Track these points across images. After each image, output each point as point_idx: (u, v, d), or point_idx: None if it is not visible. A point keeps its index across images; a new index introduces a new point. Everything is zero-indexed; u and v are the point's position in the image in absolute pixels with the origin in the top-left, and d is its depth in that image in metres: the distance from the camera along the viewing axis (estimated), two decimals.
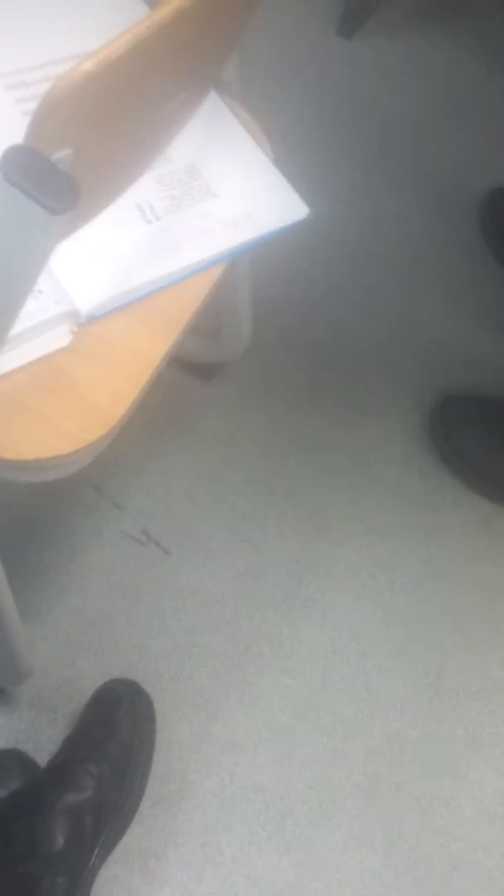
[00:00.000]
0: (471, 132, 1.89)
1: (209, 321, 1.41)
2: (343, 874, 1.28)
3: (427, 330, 1.68)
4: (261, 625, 1.40)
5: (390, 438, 1.57)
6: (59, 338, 0.92)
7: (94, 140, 0.65)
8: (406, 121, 1.89)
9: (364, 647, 1.42)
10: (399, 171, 1.83)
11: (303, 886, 1.26)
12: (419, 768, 1.36)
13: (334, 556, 1.47)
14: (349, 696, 1.38)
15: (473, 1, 2.04)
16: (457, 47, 1.99)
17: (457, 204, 1.81)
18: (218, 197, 1.01)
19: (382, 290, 1.70)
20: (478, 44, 2.00)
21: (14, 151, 0.60)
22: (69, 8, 1.04)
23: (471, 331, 1.69)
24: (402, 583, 1.47)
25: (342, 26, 1.95)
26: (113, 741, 1.22)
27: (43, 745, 1.27)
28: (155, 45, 0.62)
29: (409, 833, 1.32)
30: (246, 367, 1.55)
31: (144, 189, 0.98)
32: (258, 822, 1.29)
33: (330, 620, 1.43)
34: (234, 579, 1.42)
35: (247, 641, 1.39)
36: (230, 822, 1.28)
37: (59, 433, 0.90)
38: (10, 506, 1.39)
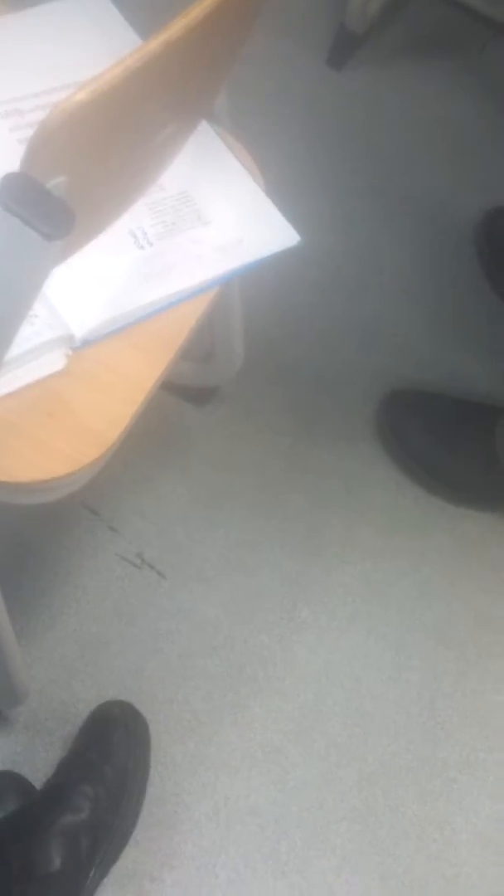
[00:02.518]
0: (459, 161, 1.92)
1: (202, 346, 1.43)
2: None
3: (418, 356, 1.70)
4: (255, 648, 1.41)
5: (383, 463, 1.58)
6: (54, 362, 0.94)
7: (88, 168, 0.67)
8: (396, 150, 1.91)
9: (358, 671, 1.42)
10: (389, 199, 1.85)
11: None
12: (413, 793, 1.36)
13: (328, 580, 1.48)
14: (343, 719, 1.39)
15: (461, 35, 2.07)
16: (445, 78, 2.02)
17: (449, 230, 1.83)
18: (210, 223, 1.02)
19: (375, 317, 1.72)
20: (465, 75, 2.02)
21: (10, 179, 0.62)
22: (62, 38, 1.06)
23: (467, 359, 1.70)
24: (396, 607, 1.48)
25: (332, 57, 1.97)
26: (108, 763, 1.23)
27: (39, 767, 1.28)
28: (146, 75, 0.64)
29: (404, 857, 1.32)
30: (239, 392, 1.56)
31: (137, 215, 1.00)
32: (253, 844, 1.29)
33: (324, 644, 1.43)
34: (227, 602, 1.43)
35: (241, 664, 1.39)
36: (225, 844, 1.29)
37: (54, 456, 0.91)
38: (6, 528, 1.40)
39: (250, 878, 1.27)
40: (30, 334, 0.91)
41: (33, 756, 1.29)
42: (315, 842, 1.31)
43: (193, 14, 0.65)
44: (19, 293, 0.70)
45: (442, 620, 1.48)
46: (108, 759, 1.23)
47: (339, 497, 1.55)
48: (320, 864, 1.30)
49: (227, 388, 1.56)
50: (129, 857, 1.24)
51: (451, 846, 1.33)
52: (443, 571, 1.52)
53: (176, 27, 0.64)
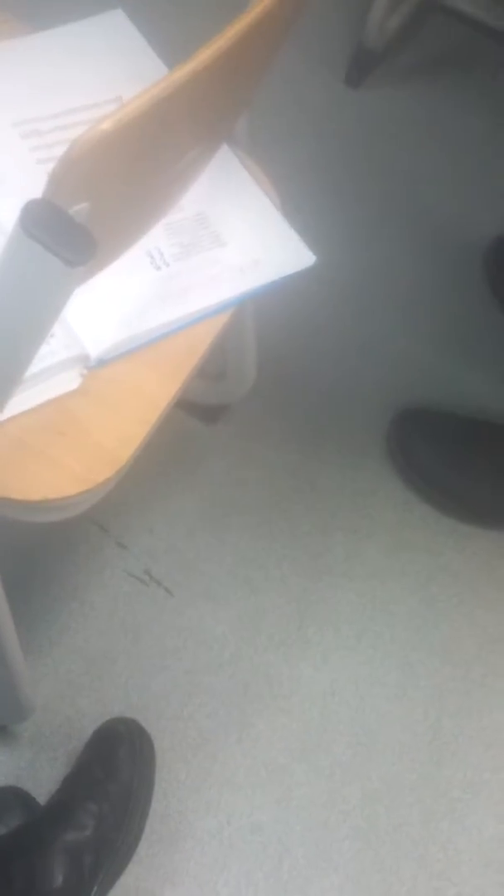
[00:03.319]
0: (475, 181, 1.92)
1: (214, 364, 1.43)
2: None
3: (428, 375, 1.70)
4: (260, 665, 1.41)
5: (392, 481, 1.59)
6: (69, 381, 0.94)
7: (110, 194, 0.67)
8: (412, 169, 1.92)
9: (363, 689, 1.42)
10: (403, 218, 1.85)
11: None
12: (417, 812, 1.36)
13: (335, 598, 1.48)
14: (348, 738, 1.39)
15: (477, 54, 2.07)
16: (461, 98, 2.02)
17: (461, 251, 1.83)
18: (226, 245, 1.03)
19: (387, 336, 1.72)
20: (481, 97, 2.03)
21: (33, 205, 0.62)
22: (82, 59, 1.06)
23: (477, 378, 1.70)
24: (402, 625, 1.48)
25: (349, 76, 1.97)
26: (113, 780, 1.23)
27: (43, 783, 1.28)
28: (172, 105, 0.64)
29: (407, 877, 1.32)
30: (249, 410, 1.57)
31: (154, 236, 1.00)
32: (255, 862, 1.29)
33: (329, 662, 1.43)
34: (234, 620, 1.43)
35: (246, 682, 1.39)
36: (228, 862, 1.28)
37: (67, 474, 0.91)
38: (15, 543, 1.40)
39: None
40: (45, 353, 0.91)
41: (38, 772, 1.29)
42: (318, 860, 1.31)
43: (221, 42, 0.65)
44: (40, 317, 0.70)
45: (448, 640, 1.48)
46: (113, 777, 1.23)
47: (347, 515, 1.55)
48: (323, 882, 1.29)
49: (238, 406, 1.56)
50: (132, 874, 1.24)
51: (453, 866, 1.33)
52: (450, 591, 1.52)
53: (203, 56, 0.64)
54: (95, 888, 1.18)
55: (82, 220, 0.65)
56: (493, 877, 1.34)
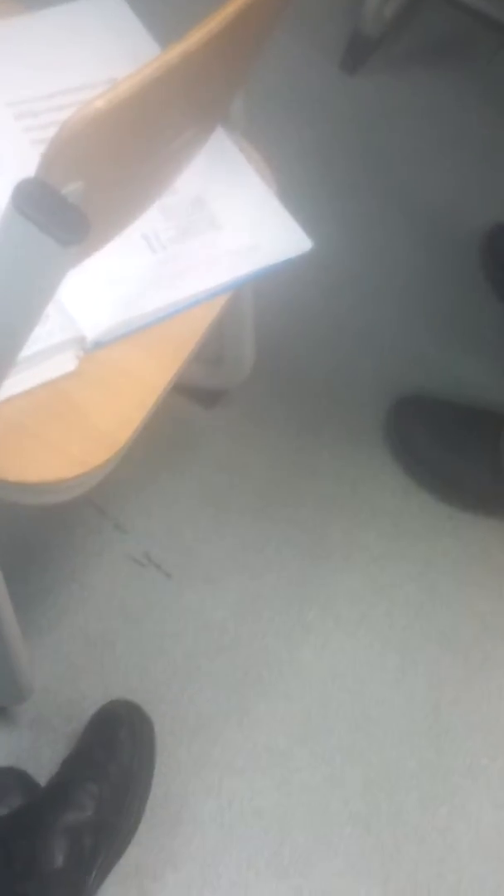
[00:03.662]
0: (471, 168, 1.92)
1: (212, 348, 1.43)
2: None
3: (427, 362, 1.70)
4: (260, 650, 1.41)
5: (391, 468, 1.59)
6: (65, 363, 0.94)
7: (103, 174, 0.67)
8: (408, 156, 1.91)
9: (363, 674, 1.43)
10: (399, 204, 1.85)
11: None
12: (417, 798, 1.36)
13: (334, 583, 1.48)
14: (348, 723, 1.39)
15: (473, 41, 2.06)
16: (457, 84, 2.02)
17: (458, 238, 1.82)
18: (223, 228, 1.03)
19: (384, 323, 1.72)
20: (478, 82, 2.02)
21: (26, 185, 0.62)
22: (77, 39, 1.06)
23: (475, 366, 1.70)
24: (402, 611, 1.48)
25: (346, 61, 1.96)
26: (113, 762, 1.23)
27: (43, 765, 1.28)
28: (165, 85, 0.64)
29: (407, 862, 1.32)
30: (248, 394, 1.57)
31: (151, 219, 1.00)
32: (256, 846, 1.30)
33: (329, 647, 1.43)
34: (234, 604, 1.44)
35: (246, 666, 1.40)
36: (228, 845, 1.29)
37: (64, 457, 0.91)
38: (13, 526, 1.40)
39: (253, 880, 1.27)
40: (41, 335, 0.91)
41: (38, 753, 1.29)
42: (318, 845, 1.31)
43: (213, 24, 0.65)
44: (33, 298, 0.70)
45: (447, 626, 1.48)
46: (113, 759, 1.23)
47: (346, 501, 1.55)
48: (323, 867, 1.30)
49: (236, 390, 1.56)
50: (132, 857, 1.25)
51: (453, 852, 1.34)
52: (449, 577, 1.52)
53: (196, 37, 0.64)
54: (95, 870, 1.18)
55: (75, 200, 0.65)
56: (493, 863, 1.34)
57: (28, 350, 0.89)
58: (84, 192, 0.65)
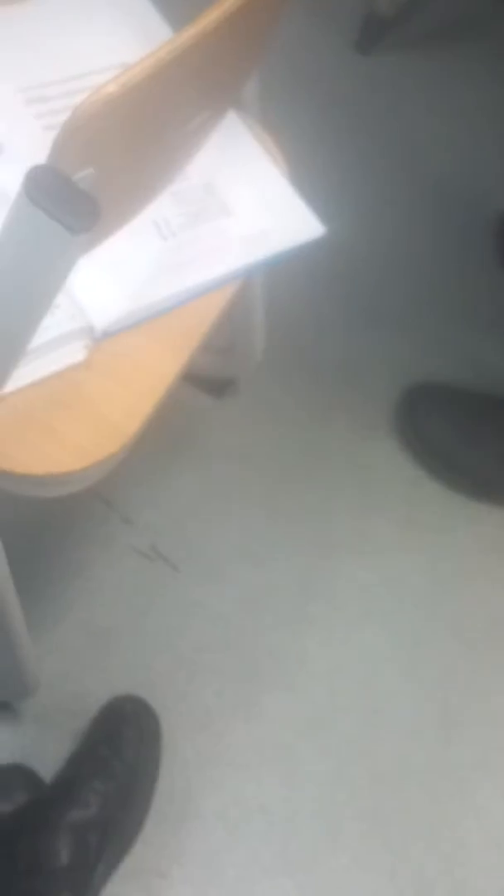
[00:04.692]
0: (487, 150, 1.90)
1: (221, 337, 1.41)
2: None
3: (439, 349, 1.68)
4: (267, 643, 1.40)
5: (401, 457, 1.57)
6: (74, 353, 0.92)
7: (115, 160, 0.65)
8: (423, 138, 1.89)
9: (370, 667, 1.41)
10: (414, 187, 1.83)
11: None
12: (425, 793, 1.35)
13: (342, 574, 1.47)
14: (355, 717, 1.38)
15: (489, 21, 2.05)
16: (473, 66, 2.00)
17: (473, 222, 1.81)
18: (234, 214, 1.01)
19: (395, 308, 1.70)
20: (494, 63, 2.00)
21: (37, 171, 0.60)
22: (88, 24, 1.04)
23: (489, 353, 1.69)
24: (410, 603, 1.47)
25: (360, 43, 1.95)
26: (118, 759, 1.22)
27: (48, 761, 1.27)
28: (177, 68, 0.62)
29: (414, 857, 1.31)
30: (256, 383, 1.55)
31: (161, 205, 0.98)
32: (262, 842, 1.28)
33: (336, 640, 1.42)
34: (240, 597, 1.42)
35: (252, 660, 1.38)
36: (234, 842, 1.28)
37: (72, 449, 0.90)
38: (20, 519, 1.38)
39: (259, 876, 1.26)
40: (50, 325, 0.90)
41: (43, 749, 1.28)
42: (325, 840, 1.30)
43: (225, 6, 0.64)
44: (44, 285, 0.69)
45: (457, 617, 1.47)
46: (119, 755, 1.22)
47: (354, 491, 1.53)
48: (329, 862, 1.29)
49: (245, 380, 1.55)
50: (138, 854, 1.24)
51: (461, 846, 1.32)
52: (458, 567, 1.50)
53: (209, 19, 0.63)
54: (101, 867, 1.17)
55: (86, 187, 0.63)
56: (501, 858, 1.33)
57: (37, 340, 0.87)
58: (95, 179, 0.63)
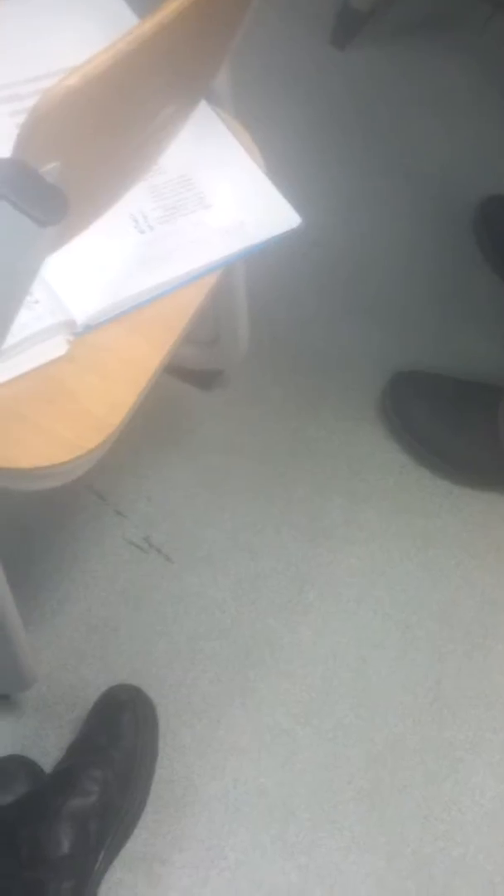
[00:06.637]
0: (463, 141, 1.91)
1: (207, 329, 1.43)
2: (346, 878, 1.29)
3: (421, 337, 1.69)
4: (262, 630, 1.41)
5: (388, 445, 1.58)
6: (56, 347, 0.94)
7: (81, 152, 0.66)
8: (399, 130, 1.90)
9: (364, 652, 1.43)
10: (392, 179, 1.84)
11: (306, 890, 1.27)
12: (420, 773, 1.36)
13: (334, 561, 1.48)
14: (350, 701, 1.39)
15: (463, 13, 2.05)
16: (448, 57, 2.01)
17: (452, 211, 1.82)
18: (211, 207, 1.02)
19: (378, 299, 1.71)
20: (468, 54, 2.01)
21: (2, 164, 0.61)
22: (62, 22, 1.05)
23: (470, 339, 1.70)
24: (402, 588, 1.48)
25: (335, 36, 1.95)
26: (117, 747, 1.23)
27: (48, 752, 1.28)
28: (139, 58, 0.63)
29: (412, 838, 1.32)
30: (244, 375, 1.56)
31: (138, 199, 0.99)
32: (262, 826, 1.30)
33: (330, 626, 1.43)
34: (234, 586, 1.43)
35: (248, 647, 1.40)
36: (234, 826, 1.29)
37: (56, 442, 0.91)
38: (13, 513, 1.40)
39: (259, 859, 1.28)
40: (30, 320, 0.91)
41: (42, 740, 1.29)
42: (323, 822, 1.31)
43: None
44: (14, 279, 0.70)
45: (447, 601, 1.48)
46: (117, 743, 1.23)
47: (343, 479, 1.55)
48: (328, 844, 1.30)
49: (233, 371, 1.56)
50: (139, 840, 1.25)
51: (457, 826, 1.34)
52: (448, 552, 1.52)
53: (168, 9, 0.64)
54: (102, 854, 1.19)
55: (54, 179, 0.64)
56: (497, 837, 1.34)
57: (18, 335, 0.89)
58: (62, 171, 0.64)
